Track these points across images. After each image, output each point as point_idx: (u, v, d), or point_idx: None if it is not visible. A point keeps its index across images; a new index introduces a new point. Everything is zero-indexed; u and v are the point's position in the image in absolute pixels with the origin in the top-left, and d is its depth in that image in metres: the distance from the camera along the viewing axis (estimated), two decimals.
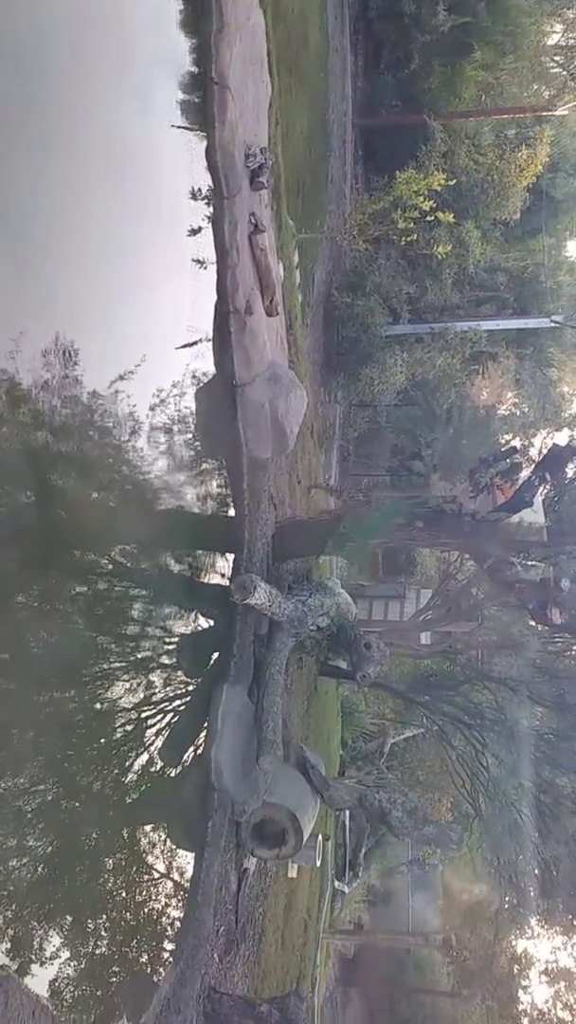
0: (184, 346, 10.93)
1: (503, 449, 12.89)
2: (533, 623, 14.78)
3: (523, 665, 14.24)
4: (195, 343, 10.78)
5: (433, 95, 23.47)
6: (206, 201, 10.27)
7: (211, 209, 9.81)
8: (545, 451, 12.48)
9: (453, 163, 21.72)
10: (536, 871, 14.97)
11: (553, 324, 22.72)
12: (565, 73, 26.50)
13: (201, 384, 10.63)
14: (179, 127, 10.90)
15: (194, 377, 10.99)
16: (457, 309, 22.39)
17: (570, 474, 15.39)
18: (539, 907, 16.58)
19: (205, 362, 10.49)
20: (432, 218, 19.37)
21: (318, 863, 16.11)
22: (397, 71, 24.06)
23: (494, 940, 19.96)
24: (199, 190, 10.62)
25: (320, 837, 15.30)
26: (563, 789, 14.57)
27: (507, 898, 16.76)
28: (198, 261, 10.64)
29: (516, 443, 17.54)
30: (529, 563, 13.20)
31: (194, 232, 10.78)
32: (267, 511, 11.53)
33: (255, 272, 10.23)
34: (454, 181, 20.49)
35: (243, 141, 9.60)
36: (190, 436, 11.11)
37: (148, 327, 10.44)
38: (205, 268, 10.35)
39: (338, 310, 19.78)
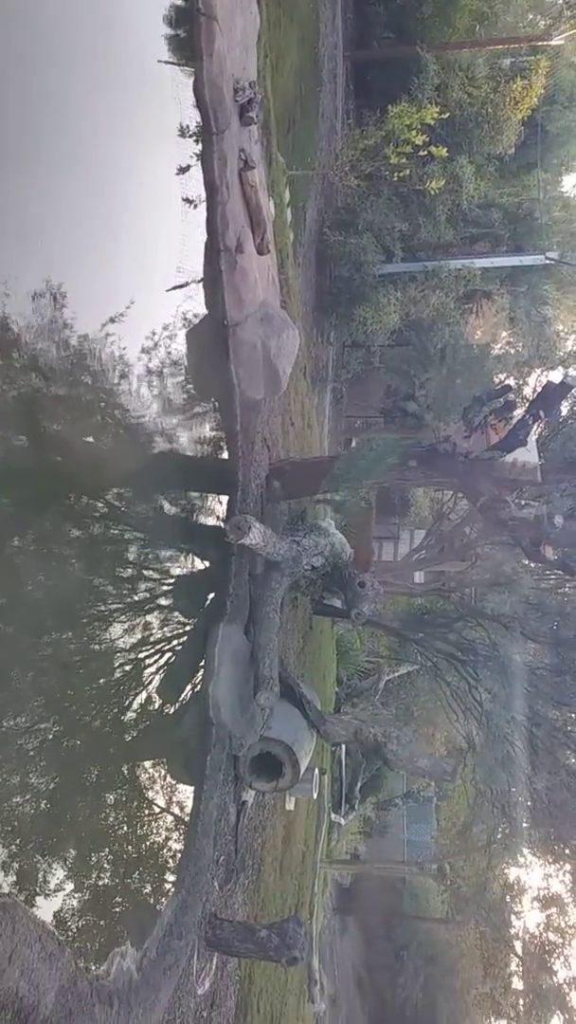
0: (174, 288, 10.81)
1: (497, 388, 12.84)
2: (526, 561, 14.95)
3: (516, 602, 14.43)
4: (185, 284, 10.66)
5: (426, 25, 22.81)
6: (194, 139, 10.04)
7: (200, 146, 9.61)
8: (539, 389, 12.45)
9: (446, 96, 21.22)
10: (528, 801, 15.35)
11: (548, 261, 22.43)
12: (561, 1, 25.69)
13: (192, 325, 10.54)
14: (166, 62, 10.61)
15: (185, 319, 10.91)
16: (451, 247, 22.08)
17: (564, 412, 15.41)
18: (531, 836, 17.07)
19: (196, 304, 10.39)
20: (425, 153, 18.98)
21: (315, 796, 16.57)
22: (389, 1, 23.33)
23: (487, 868, 20.63)
24: (187, 127, 10.38)
25: (317, 771, 15.71)
26: (555, 722, 14.88)
27: (500, 828, 17.25)
28: (188, 200, 10.46)
29: (510, 382, 17.45)
30: (523, 502, 13.31)
31: (183, 171, 10.57)
32: (261, 453, 11.56)
33: (245, 210, 10.07)
34: (447, 115, 20.03)
35: (231, 75, 9.36)
36: (182, 379, 11.07)
37: (138, 269, 10.32)
38: (195, 207, 10.18)
39: (330, 249, 19.49)
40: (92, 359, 9.86)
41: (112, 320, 9.66)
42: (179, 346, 10.61)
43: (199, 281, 9.80)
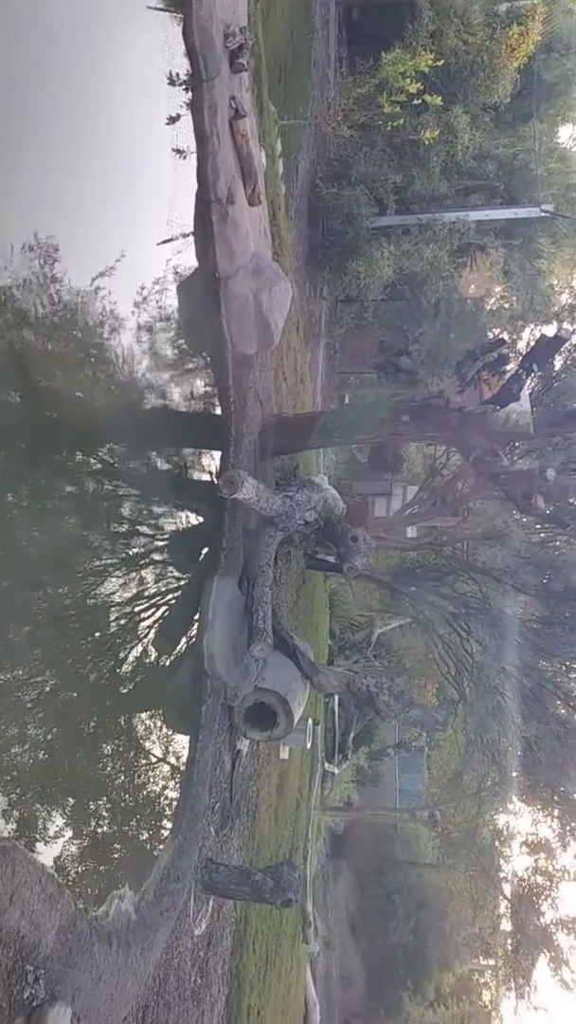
0: (165, 241, 10.69)
1: (490, 342, 12.81)
2: (518, 514, 15.07)
3: (507, 555, 14.55)
4: (176, 238, 10.54)
5: None
6: (184, 87, 9.84)
7: (190, 95, 9.43)
8: (532, 343, 12.43)
9: (441, 43, 20.67)
10: (518, 750, 15.65)
11: (543, 213, 22.12)
12: None
13: (183, 278, 10.46)
14: (155, 8, 10.35)
15: (176, 273, 10.82)
16: (445, 199, 21.75)
17: (557, 366, 15.39)
18: (521, 783, 17.45)
19: (187, 257, 10.28)
20: (419, 101, 18.60)
21: (308, 746, 16.88)
22: None
23: (477, 814, 21.10)
24: (177, 75, 10.17)
25: (310, 721, 16.00)
26: (545, 672, 15.14)
27: (490, 776, 17.63)
28: (178, 151, 10.30)
29: (504, 336, 17.38)
30: (515, 456, 13.37)
31: (173, 120, 10.37)
32: (253, 408, 11.55)
33: (236, 159, 9.91)
34: (442, 62, 19.57)
35: (221, 20, 9.14)
36: (173, 334, 11.01)
37: (128, 223, 10.18)
38: (185, 158, 10.02)
39: (323, 201, 19.19)
40: (83, 314, 9.80)
41: (102, 274, 9.57)
42: (170, 300, 10.53)
43: (189, 235, 9.69)
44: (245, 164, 10.07)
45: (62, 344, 9.85)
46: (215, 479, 10.89)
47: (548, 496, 12.09)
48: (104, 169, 9.66)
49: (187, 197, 9.40)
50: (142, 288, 10.57)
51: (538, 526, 15.78)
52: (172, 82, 10.21)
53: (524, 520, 15.30)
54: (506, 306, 23.36)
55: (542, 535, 16.29)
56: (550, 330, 15.52)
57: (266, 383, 12.88)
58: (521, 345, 19.35)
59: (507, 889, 26.49)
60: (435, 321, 17.49)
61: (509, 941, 27.60)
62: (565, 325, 20.18)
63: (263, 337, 10.85)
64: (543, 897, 25.88)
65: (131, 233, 10.04)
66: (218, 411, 11.08)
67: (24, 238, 8.67)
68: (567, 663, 15.65)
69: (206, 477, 11.73)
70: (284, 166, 15.95)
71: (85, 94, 9.43)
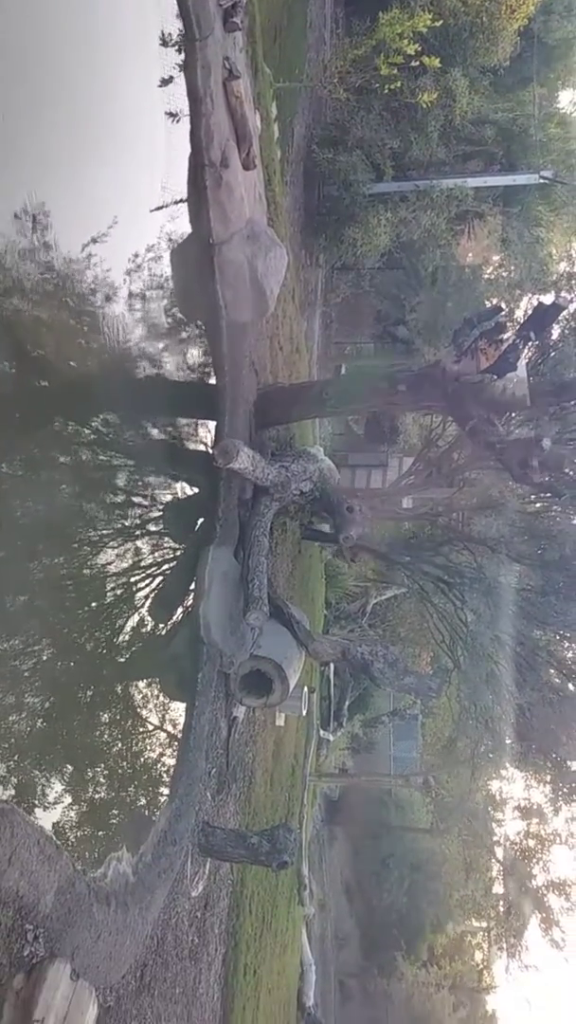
0: (158, 208, 10.56)
1: (488, 309, 12.72)
2: (514, 484, 15.06)
3: (503, 525, 14.59)
4: (170, 204, 10.42)
5: None
6: (177, 48, 9.66)
7: (182, 56, 9.25)
8: (530, 311, 12.34)
9: (440, 4, 20.25)
10: (512, 717, 15.82)
11: (542, 180, 21.83)
12: None
13: (176, 245, 10.34)
14: None
15: (170, 240, 10.71)
16: (443, 165, 21.44)
17: (555, 335, 15.31)
18: (514, 750, 17.66)
19: (181, 224, 10.15)
20: (417, 64, 18.27)
21: (304, 712, 17.06)
22: None
23: (471, 780, 21.38)
24: (169, 36, 9.98)
25: (306, 689, 16.15)
26: (539, 641, 15.26)
27: (484, 742, 17.85)
28: (171, 115, 10.13)
29: (501, 304, 17.24)
30: (512, 426, 13.33)
31: (165, 83, 10.19)
32: (248, 377, 11.49)
33: (230, 122, 9.74)
34: (440, 23, 19.20)
35: None
36: (167, 302, 10.94)
37: (121, 189, 10.07)
38: (178, 121, 9.86)
39: (319, 167, 18.92)
40: (75, 281, 9.72)
41: (95, 240, 9.48)
42: (164, 268, 10.45)
43: (183, 201, 9.56)
44: (239, 127, 9.91)
45: (54, 312, 9.78)
46: (210, 449, 10.87)
47: (544, 466, 12.08)
48: (96, 134, 9.54)
49: (181, 162, 9.26)
50: (135, 256, 10.48)
51: (533, 496, 15.80)
52: (164, 43, 10.02)
53: (520, 490, 15.30)
54: (504, 275, 23.14)
55: (537, 505, 16.33)
56: (548, 299, 15.46)
57: (261, 352, 12.80)
58: (519, 314, 19.22)
59: (499, 852, 26.94)
60: (432, 290, 17.35)
61: (501, 903, 28.14)
62: (563, 293, 20.05)
63: (258, 304, 10.74)
64: (535, 860, 26.35)
65: (124, 200, 9.94)
66: (212, 380, 11.03)
67: (15, 204, 8.57)
68: (561, 632, 15.77)
69: (201, 447, 11.72)
70: (279, 130, 15.72)
71: (76, 57, 9.27)
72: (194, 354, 11.56)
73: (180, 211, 9.78)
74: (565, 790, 19.90)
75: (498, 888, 28.38)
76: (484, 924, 33.52)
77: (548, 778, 20.50)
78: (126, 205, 9.93)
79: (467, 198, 20.79)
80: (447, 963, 37.32)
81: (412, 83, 18.94)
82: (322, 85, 18.90)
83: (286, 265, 11.45)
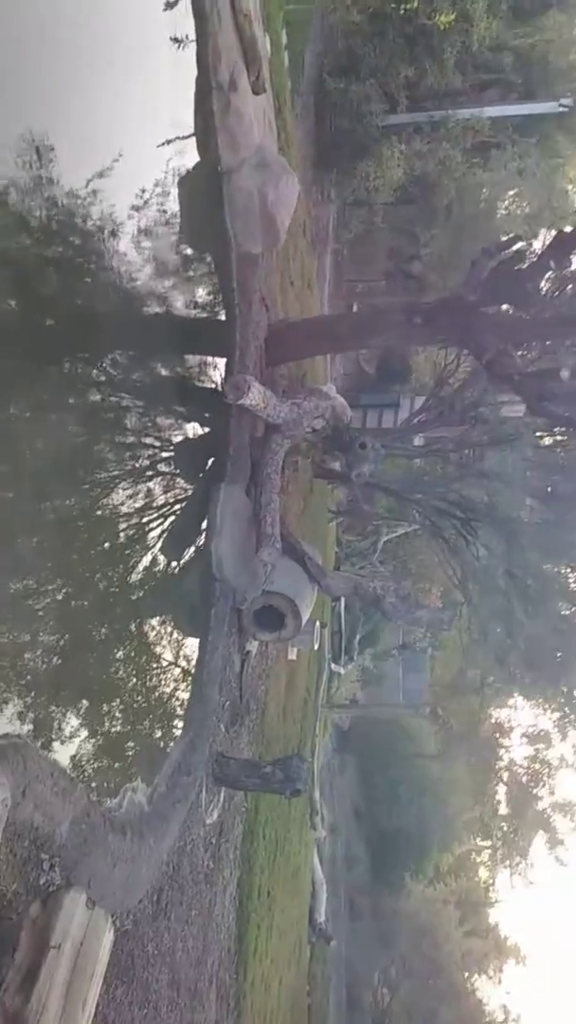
0: (168, 142, 10.19)
1: (506, 239, 12.36)
2: (530, 417, 14.89)
3: (516, 460, 14.48)
4: (177, 139, 10.05)
5: None
6: None
7: None
8: (550, 240, 11.99)
9: None
10: (521, 648, 16.00)
11: (562, 108, 20.96)
12: None
13: (183, 174, 10.03)
14: None
15: (178, 175, 10.37)
16: (459, 95, 20.55)
17: (574, 264, 14.91)
18: (522, 679, 17.94)
19: (189, 159, 9.82)
20: None
21: (316, 647, 17.33)
22: None
23: (479, 708, 21.79)
24: None
25: (318, 624, 16.35)
26: (548, 574, 15.34)
27: (493, 672, 18.13)
28: (176, 40, 9.71)
29: (519, 236, 16.72)
30: (529, 358, 13.10)
31: (170, 5, 9.74)
32: (259, 313, 11.28)
33: (238, 42, 9.30)
34: None
35: None
36: (176, 238, 10.67)
37: (126, 121, 9.72)
38: (184, 47, 9.44)
39: (330, 97, 18.18)
40: (82, 218, 9.49)
41: (100, 175, 9.20)
42: (172, 204, 10.17)
43: (190, 136, 9.20)
44: (248, 48, 9.47)
45: (60, 249, 9.57)
46: (220, 386, 10.76)
47: (562, 398, 11.91)
48: (99, 64, 9.16)
49: (187, 94, 8.90)
50: (142, 191, 10.20)
51: (545, 432, 15.66)
52: None
53: (533, 424, 15.14)
54: (523, 205, 22.37)
55: (552, 439, 16.17)
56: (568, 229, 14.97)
57: (272, 287, 12.55)
58: (537, 245, 18.67)
59: (506, 776, 27.64)
60: (447, 224, 16.82)
61: (506, 824, 28.99)
62: None
63: (268, 235, 10.43)
64: (541, 783, 27.05)
65: (130, 133, 9.62)
66: (222, 317, 10.83)
67: (18, 138, 8.31)
68: (572, 564, 15.86)
69: (211, 386, 11.60)
70: (289, 59, 15.06)
71: None
72: (203, 291, 11.35)
73: (188, 146, 9.46)
74: (572, 716, 20.30)
75: (504, 810, 29.23)
76: (489, 843, 34.63)
77: (556, 705, 20.88)
78: (132, 139, 9.61)
79: (484, 128, 20.01)
80: (453, 880, 38.74)
81: (428, 5, 18.01)
82: (334, 8, 17.99)
83: (297, 194, 11.09)
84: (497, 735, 27.03)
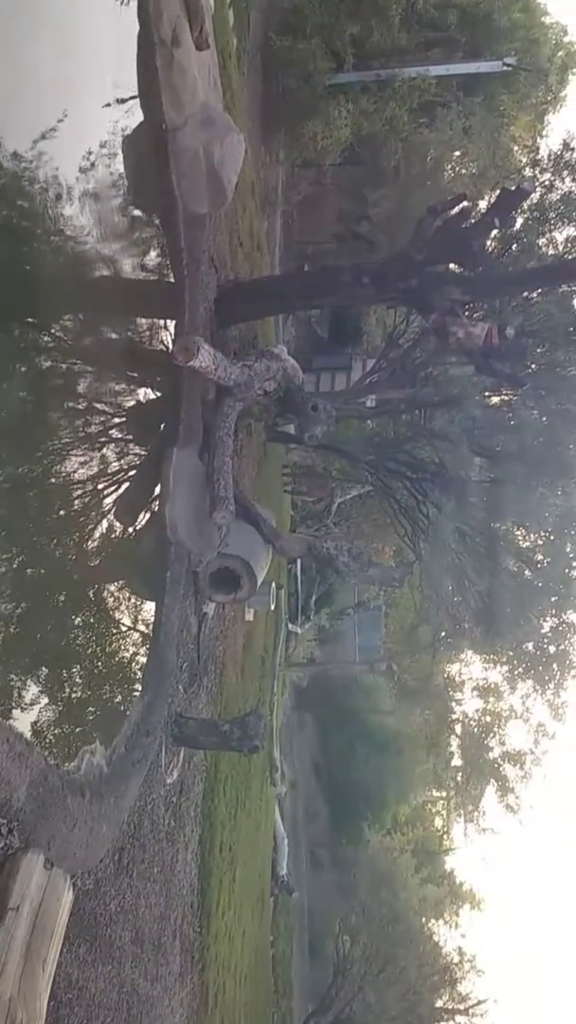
0: (119, 101, 9.95)
1: (451, 198, 12.43)
2: (477, 376, 15.11)
3: (463, 419, 14.71)
4: (123, 100, 9.83)
5: None
6: None
7: None
8: (494, 199, 12.08)
9: None
10: (471, 604, 16.40)
11: (506, 67, 20.94)
12: None
13: (129, 134, 9.85)
14: None
15: (124, 136, 10.18)
16: (405, 54, 20.38)
17: (519, 223, 15.06)
18: (472, 633, 18.39)
19: (134, 119, 9.63)
20: None
21: (272, 607, 17.55)
22: None
23: (432, 663, 22.32)
24: None
25: (274, 585, 16.55)
26: (498, 531, 15.71)
27: (445, 628, 18.54)
28: None
29: (465, 193, 16.76)
30: (475, 317, 13.25)
31: None
32: (208, 274, 11.19)
33: None
34: None
35: None
36: (123, 200, 10.49)
37: (70, 81, 9.44)
38: (126, 2, 9.19)
39: (276, 56, 17.90)
40: (26, 181, 9.26)
41: (44, 137, 8.98)
42: (119, 166, 9.97)
43: (134, 98, 9.00)
44: (190, 1, 9.30)
45: (5, 213, 9.35)
46: (170, 349, 10.68)
47: (507, 356, 12.10)
48: (41, 21, 8.88)
49: (131, 54, 8.69)
50: (88, 153, 9.99)
51: (491, 392, 15.92)
52: None
53: (481, 384, 15.37)
54: (469, 165, 22.39)
55: (498, 398, 16.46)
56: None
57: (221, 248, 12.45)
58: (483, 205, 18.76)
59: (458, 729, 28.43)
60: (395, 184, 16.78)
61: (460, 774, 29.89)
62: (525, 182, 19.53)
63: (215, 194, 10.30)
64: (492, 734, 27.90)
65: (74, 93, 9.37)
66: (171, 279, 10.71)
67: None
68: (519, 521, 16.24)
69: (162, 349, 11.53)
70: (235, 16, 14.75)
71: None
72: (152, 254, 11.21)
73: (134, 107, 9.27)
74: (520, 669, 20.93)
75: (457, 761, 30.10)
76: (444, 794, 35.68)
77: (505, 659, 21.48)
78: (76, 99, 9.38)
79: (430, 87, 19.91)
80: (410, 830, 39.90)
81: None
82: None
83: (243, 152, 10.96)
84: (449, 689, 27.75)
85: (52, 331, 10.42)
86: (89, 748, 7.96)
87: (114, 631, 11.65)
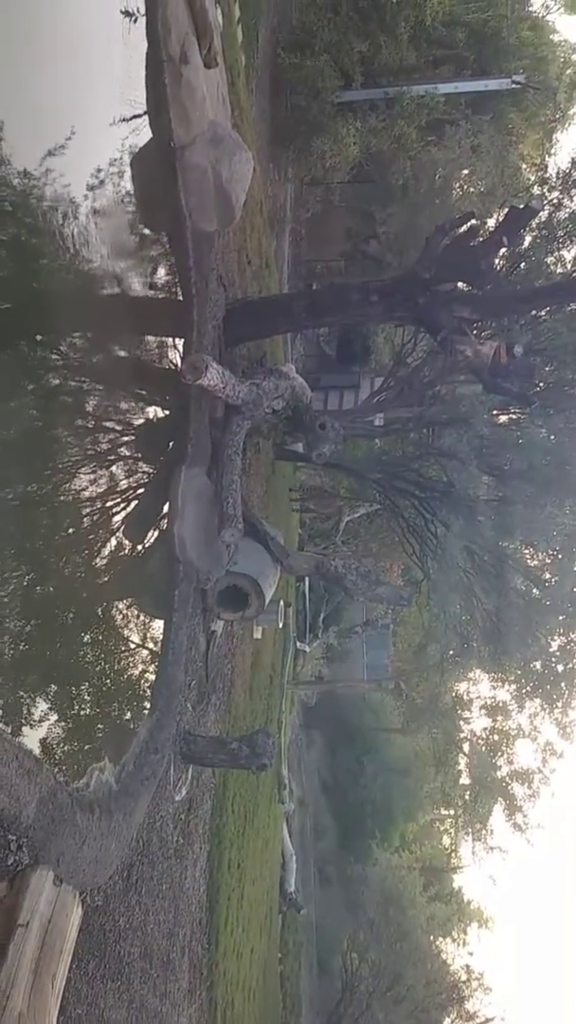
0: (129, 118, 10.05)
1: (460, 216, 12.49)
2: (484, 395, 15.12)
3: (472, 438, 14.69)
4: (131, 118, 9.93)
5: None
6: None
7: None
8: (503, 217, 12.13)
9: None
10: (479, 623, 16.33)
11: (514, 85, 21.05)
12: None
13: (137, 152, 9.93)
14: None
15: (132, 154, 10.28)
16: (413, 72, 20.52)
17: (527, 241, 15.10)
18: (480, 652, 18.29)
19: (143, 137, 9.73)
20: None
21: (280, 625, 17.50)
22: None
23: (440, 682, 22.19)
24: None
25: (282, 603, 16.52)
26: (505, 549, 15.64)
27: (453, 646, 18.45)
28: (127, 13, 9.58)
29: (473, 211, 16.83)
30: (483, 336, 13.26)
31: None
32: (216, 292, 11.25)
33: (189, 14, 9.21)
34: None
35: None
36: (131, 217, 10.58)
37: (79, 100, 9.55)
38: (135, 20, 9.32)
39: (285, 73, 18.06)
40: (35, 198, 9.35)
41: (52, 153, 9.06)
42: (127, 183, 10.06)
43: (143, 115, 9.09)
44: (199, 19, 9.35)
45: (15, 231, 9.44)
46: (179, 367, 10.73)
47: (515, 374, 12.11)
48: (50, 40, 8.99)
49: (140, 71, 8.79)
50: (97, 171, 10.07)
51: (500, 410, 15.91)
52: None
53: (489, 402, 15.37)
54: (477, 183, 22.49)
55: (506, 417, 16.43)
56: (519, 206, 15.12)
57: (229, 266, 12.53)
58: (491, 223, 18.84)
59: (466, 747, 28.23)
60: (403, 202, 16.85)
61: (467, 792, 29.65)
62: (534, 200, 19.59)
63: (224, 212, 10.38)
64: (500, 753, 27.68)
65: (83, 111, 9.47)
66: (180, 297, 10.77)
67: None
68: (527, 539, 16.15)
69: (170, 367, 11.58)
70: (243, 33, 14.91)
71: None
72: (160, 271, 11.29)
73: (142, 125, 9.36)
74: (528, 688, 20.77)
75: (465, 780, 29.86)
76: (452, 812, 35.38)
77: (513, 677, 21.32)
78: (85, 117, 9.47)
79: (438, 105, 20.03)
80: (417, 848, 39.60)
81: None
82: None
83: (251, 170, 11.03)
84: (457, 708, 27.56)
85: (61, 349, 10.48)
86: (98, 765, 7.94)
87: (122, 649, 11.64)
